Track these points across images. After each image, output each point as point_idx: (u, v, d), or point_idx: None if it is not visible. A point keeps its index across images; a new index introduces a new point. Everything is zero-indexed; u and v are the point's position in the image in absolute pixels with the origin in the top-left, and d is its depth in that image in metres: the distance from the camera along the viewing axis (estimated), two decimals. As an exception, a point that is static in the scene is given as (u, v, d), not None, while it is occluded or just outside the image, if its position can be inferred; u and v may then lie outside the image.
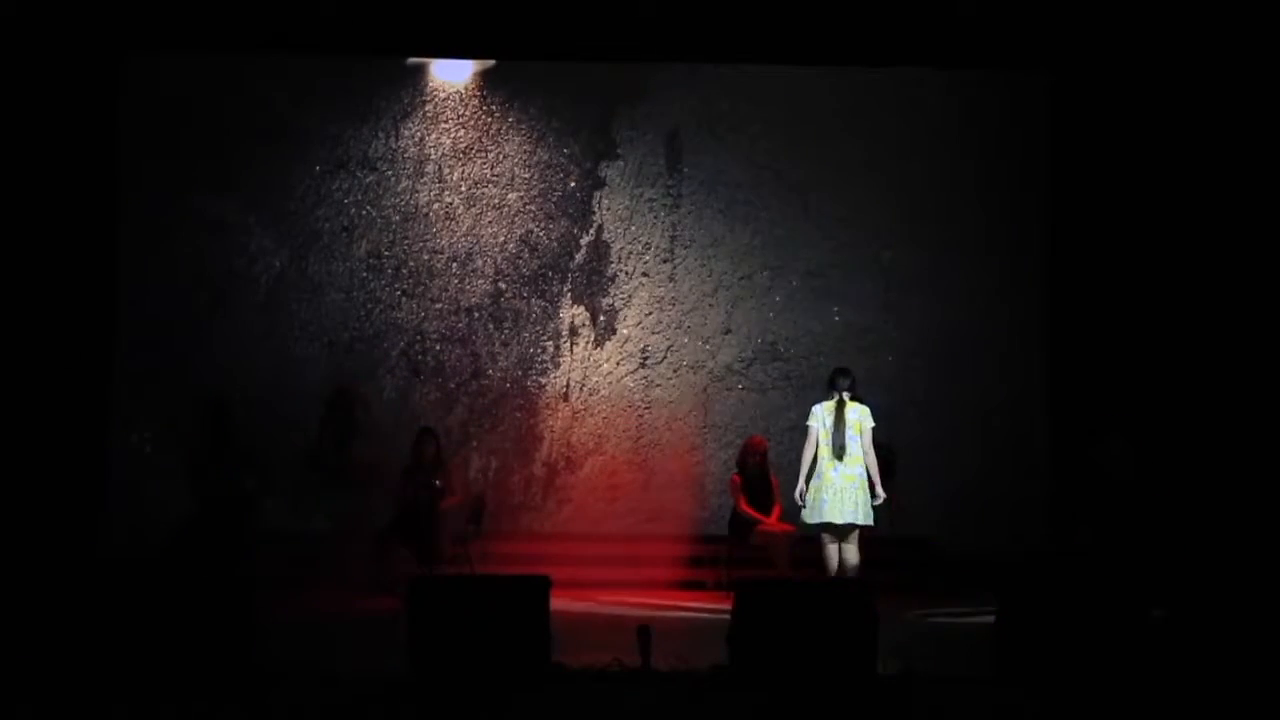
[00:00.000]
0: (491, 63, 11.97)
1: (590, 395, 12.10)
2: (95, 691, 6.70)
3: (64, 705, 6.55)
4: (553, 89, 12.14)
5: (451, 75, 12.07)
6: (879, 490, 9.36)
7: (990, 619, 7.64)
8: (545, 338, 12.12)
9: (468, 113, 12.14)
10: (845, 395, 9.45)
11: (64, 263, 11.31)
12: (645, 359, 12.14)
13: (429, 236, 12.09)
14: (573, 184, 12.17)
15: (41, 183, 11.26)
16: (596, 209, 12.18)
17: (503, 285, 12.08)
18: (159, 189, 11.75)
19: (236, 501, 9.57)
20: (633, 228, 12.18)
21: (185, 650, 6.83)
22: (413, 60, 11.97)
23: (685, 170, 12.20)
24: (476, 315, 12.10)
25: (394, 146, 12.10)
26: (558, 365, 12.10)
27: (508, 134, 12.15)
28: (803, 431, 9.69)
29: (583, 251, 12.18)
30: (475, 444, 12.00)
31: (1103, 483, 9.37)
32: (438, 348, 12.08)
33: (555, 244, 12.15)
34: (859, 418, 9.41)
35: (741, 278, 12.18)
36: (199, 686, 6.71)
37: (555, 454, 12.07)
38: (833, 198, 12.12)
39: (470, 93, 12.11)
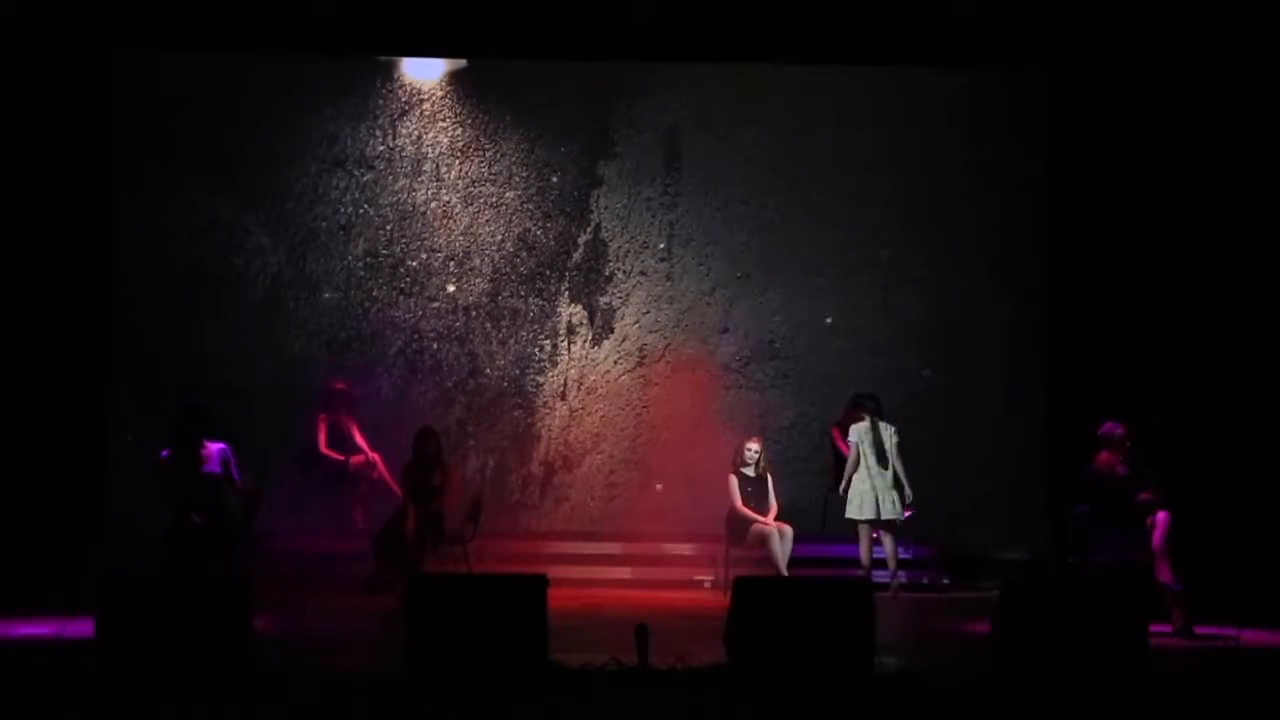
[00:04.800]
0: (491, 61, 11.98)
1: (588, 394, 12.10)
2: (96, 692, 6.69)
3: (65, 707, 6.54)
4: (550, 87, 12.14)
5: (448, 74, 12.07)
6: (908, 491, 10.74)
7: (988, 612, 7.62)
8: (543, 336, 12.12)
9: (465, 111, 12.14)
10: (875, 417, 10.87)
11: (62, 262, 11.31)
12: (643, 358, 12.14)
13: (426, 235, 12.09)
14: (570, 182, 12.17)
15: (39, 182, 11.26)
16: (594, 207, 12.18)
17: (500, 284, 12.10)
18: (157, 188, 11.76)
19: (233, 504, 9.46)
20: (630, 226, 12.18)
21: (184, 651, 6.82)
22: (411, 59, 11.97)
23: (683, 169, 12.20)
24: (474, 314, 12.10)
25: (391, 145, 12.10)
26: (555, 364, 12.10)
27: (505, 132, 12.16)
28: (847, 445, 10.96)
29: (580, 250, 12.17)
30: (473, 443, 12.00)
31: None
32: (435, 346, 12.07)
33: (553, 242, 12.15)
34: (889, 434, 10.82)
35: (739, 276, 12.18)
36: (197, 687, 6.70)
37: (553, 453, 12.07)
38: (830, 197, 12.13)
39: (468, 91, 12.11)
